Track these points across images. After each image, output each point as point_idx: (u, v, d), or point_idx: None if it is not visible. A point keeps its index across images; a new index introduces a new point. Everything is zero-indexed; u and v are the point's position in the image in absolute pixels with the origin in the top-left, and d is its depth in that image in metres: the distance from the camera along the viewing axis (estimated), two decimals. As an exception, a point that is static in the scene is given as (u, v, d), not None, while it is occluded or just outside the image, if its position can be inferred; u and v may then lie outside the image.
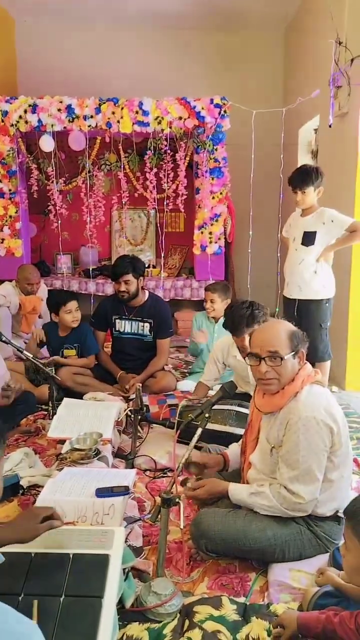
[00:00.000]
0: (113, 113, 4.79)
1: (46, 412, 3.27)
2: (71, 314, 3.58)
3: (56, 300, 3.65)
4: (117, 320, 3.73)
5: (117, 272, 3.55)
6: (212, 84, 5.57)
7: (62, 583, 1.46)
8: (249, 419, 2.08)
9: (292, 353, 1.85)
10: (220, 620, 1.55)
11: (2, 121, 4.83)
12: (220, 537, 1.81)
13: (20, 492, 2.36)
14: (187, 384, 3.64)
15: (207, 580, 1.83)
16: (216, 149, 4.91)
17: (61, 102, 4.79)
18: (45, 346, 3.80)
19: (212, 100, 4.79)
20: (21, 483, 2.38)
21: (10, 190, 5.03)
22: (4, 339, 3.03)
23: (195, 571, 1.88)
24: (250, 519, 1.84)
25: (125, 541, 2.01)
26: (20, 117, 4.82)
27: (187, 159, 4.96)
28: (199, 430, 1.96)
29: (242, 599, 1.71)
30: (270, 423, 1.91)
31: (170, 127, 4.79)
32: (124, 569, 1.71)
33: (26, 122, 4.83)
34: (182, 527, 1.76)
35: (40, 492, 2.06)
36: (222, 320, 3.71)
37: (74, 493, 2.02)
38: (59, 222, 5.15)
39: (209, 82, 5.65)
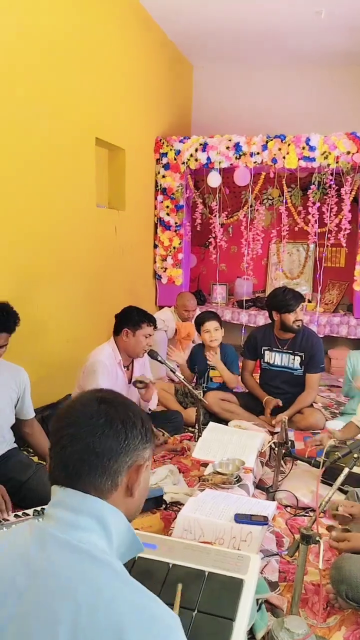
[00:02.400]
0: (279, 149, 4.88)
1: (192, 434, 3.38)
2: (209, 334, 3.67)
3: (198, 319, 3.80)
4: (267, 352, 3.72)
5: (294, 303, 3.51)
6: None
7: (195, 598, 1.48)
8: None
9: None
10: (356, 675, 1.44)
11: (175, 159, 5.20)
12: (363, 586, 1.69)
13: (163, 506, 2.46)
14: (337, 424, 3.47)
15: (344, 629, 1.72)
16: (384, 184, 4.73)
17: (230, 140, 5.03)
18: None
19: (382, 134, 4.65)
20: (164, 498, 2.48)
21: (176, 223, 5.36)
22: (159, 358, 3.21)
23: (332, 617, 1.78)
24: None
25: (261, 573, 1.98)
26: (191, 155, 5.15)
27: (353, 193, 4.84)
28: (346, 471, 1.87)
29: (382, 659, 1.58)
30: None
31: (337, 162, 4.75)
32: (257, 600, 1.68)
33: (196, 160, 5.14)
34: (321, 568, 1.68)
35: (181, 509, 2.12)
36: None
37: (213, 515, 2.05)
38: (218, 253, 5.35)
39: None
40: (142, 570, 1.60)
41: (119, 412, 0.99)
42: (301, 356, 3.61)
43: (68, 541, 0.89)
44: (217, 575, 1.55)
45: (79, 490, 0.93)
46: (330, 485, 1.90)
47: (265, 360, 3.74)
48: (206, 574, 1.56)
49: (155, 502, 2.39)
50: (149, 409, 3.22)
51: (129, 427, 0.98)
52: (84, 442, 0.94)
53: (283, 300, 3.55)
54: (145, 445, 1.02)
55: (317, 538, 1.69)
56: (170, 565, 1.60)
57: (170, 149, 5.20)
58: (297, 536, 1.72)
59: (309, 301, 5.64)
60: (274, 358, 3.70)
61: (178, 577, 1.55)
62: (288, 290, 3.61)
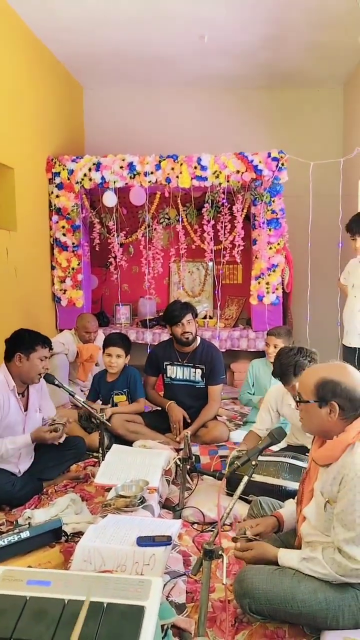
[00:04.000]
0: (172, 169, 4.95)
1: (96, 460, 3.25)
2: (110, 359, 3.61)
3: (105, 339, 3.74)
4: (169, 367, 3.70)
5: (178, 315, 3.54)
6: (270, 138, 5.71)
7: (93, 634, 1.37)
8: (308, 468, 1.95)
9: (317, 402, 1.75)
10: None
11: (69, 179, 5.10)
12: (266, 597, 1.66)
13: (64, 538, 2.30)
14: (241, 434, 3.50)
15: (252, 645, 1.67)
16: (273, 201, 4.94)
17: (123, 159, 5.02)
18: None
19: (269, 154, 4.87)
20: (65, 529, 2.33)
21: (73, 243, 5.24)
22: (56, 382, 3.06)
23: (240, 634, 1.73)
24: (298, 579, 1.68)
25: (168, 597, 1.90)
26: (85, 174, 5.08)
27: (245, 211, 5.01)
28: (245, 479, 1.85)
29: (290, 669, 1.55)
30: (325, 476, 1.78)
31: (228, 181, 4.89)
32: (162, 626, 1.60)
33: (90, 179, 5.08)
34: (224, 583, 1.63)
35: (82, 538, 2.00)
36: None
37: (115, 541, 1.94)
38: (119, 273, 5.29)
39: (266, 136, 5.80)
40: (34, 611, 1.46)
41: None
42: (202, 369, 3.62)
43: None
44: (117, 605, 1.45)
45: None
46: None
47: (168, 375, 3.71)
48: (105, 605, 1.45)
49: (53, 535, 2.23)
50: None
51: None
52: None
53: (169, 312, 3.63)
54: None
55: (220, 552, 1.65)
56: (66, 602, 1.48)
57: (63, 169, 5.10)
58: (201, 553, 1.67)
59: (210, 317, 5.73)
60: (176, 372, 3.69)
61: (74, 613, 1.43)
62: (176, 303, 3.67)
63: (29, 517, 2.36)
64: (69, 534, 2.34)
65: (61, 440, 2.96)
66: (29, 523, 2.27)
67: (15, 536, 2.05)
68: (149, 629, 1.40)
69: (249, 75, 5.72)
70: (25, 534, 2.08)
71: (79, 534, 2.33)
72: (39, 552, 2.15)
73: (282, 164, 4.87)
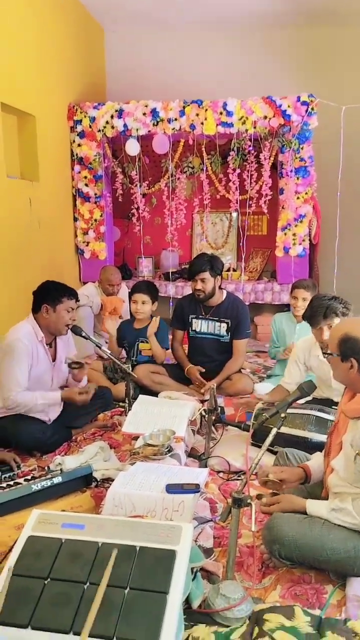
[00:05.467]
0: (197, 115, 4.79)
1: (123, 409, 3.30)
2: (135, 305, 3.61)
3: (132, 287, 3.73)
4: (194, 320, 3.69)
5: (194, 270, 3.52)
6: (300, 81, 5.42)
7: (127, 575, 1.42)
8: (336, 420, 1.95)
9: (340, 357, 1.77)
10: (293, 632, 1.44)
11: (90, 127, 4.98)
12: (295, 544, 1.70)
13: (94, 484, 2.37)
14: (265, 387, 3.51)
15: (279, 588, 1.72)
16: (302, 148, 4.76)
17: (146, 106, 4.86)
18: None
19: (298, 98, 4.66)
20: (95, 475, 2.39)
21: (95, 194, 5.17)
22: (84, 334, 3.08)
23: (267, 578, 1.78)
24: (328, 528, 1.71)
25: (195, 541, 1.96)
26: (107, 122, 4.94)
27: (272, 159, 4.85)
28: (274, 431, 1.86)
29: (316, 612, 1.59)
30: (355, 428, 1.78)
31: (255, 127, 4.72)
32: (192, 569, 1.65)
33: (112, 127, 4.95)
34: (253, 530, 1.66)
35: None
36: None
37: (144, 487, 1.99)
38: (141, 225, 5.22)
39: (295, 79, 5.51)
40: (70, 552, 1.51)
41: None
42: (227, 323, 3.60)
43: None
44: (149, 549, 1.50)
45: None
46: (260, 447, 1.88)
47: (193, 329, 3.71)
48: (137, 548, 1.50)
49: (84, 481, 2.30)
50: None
51: None
52: None
53: (189, 266, 3.65)
54: None
55: (249, 500, 1.68)
56: (100, 544, 1.53)
57: (85, 116, 4.96)
58: (230, 500, 1.70)
59: (234, 270, 5.66)
60: (201, 326, 3.68)
61: (108, 555, 1.48)
62: (199, 257, 3.63)
63: (59, 464, 2.43)
64: (98, 480, 2.40)
65: (81, 385, 3.03)
66: (60, 469, 2.33)
67: (49, 481, 2.11)
68: (180, 572, 1.44)
69: (277, 12, 5.39)
70: (57, 479, 2.15)
71: (108, 480, 2.40)
72: (71, 496, 2.23)
73: (312, 109, 4.66)
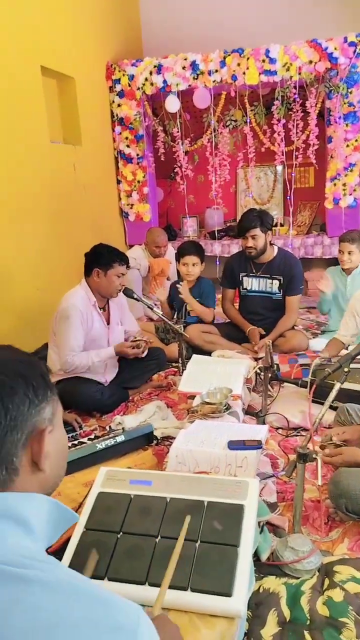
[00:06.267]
0: (238, 65, 4.60)
1: (176, 369, 3.33)
2: (186, 267, 3.59)
3: (179, 249, 3.69)
4: (245, 278, 3.64)
5: (243, 227, 3.44)
6: (347, 20, 5.09)
7: (197, 529, 1.45)
8: None
9: None
10: (364, 583, 1.45)
11: (129, 85, 4.87)
12: (362, 497, 1.69)
13: (154, 442, 2.42)
14: (320, 343, 3.45)
15: (347, 541, 1.72)
16: (351, 92, 4.52)
17: (185, 59, 4.71)
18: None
19: (345, 39, 4.39)
20: (155, 434, 2.44)
21: (137, 155, 5.10)
22: (135, 296, 3.10)
23: (334, 531, 1.78)
24: None
25: (259, 495, 1.97)
26: (146, 79, 4.82)
27: (318, 106, 4.63)
28: (337, 385, 1.83)
29: (387, 564, 1.59)
30: None
31: (300, 73, 4.50)
32: (258, 523, 1.67)
33: (152, 84, 4.82)
34: (319, 484, 1.66)
35: (172, 443, 2.08)
36: (356, 271, 3.46)
37: (206, 444, 2.01)
38: (185, 184, 5.13)
39: (342, 19, 5.17)
40: (139, 507, 1.55)
41: None
42: (280, 279, 3.53)
43: None
44: (217, 504, 1.52)
45: None
46: (320, 404, 1.86)
47: (244, 287, 3.66)
48: (205, 503, 1.52)
49: (146, 439, 2.35)
50: None
51: (6, 396, 0.76)
52: None
53: (238, 223, 3.57)
54: (40, 406, 0.80)
55: (314, 455, 1.67)
56: (168, 499, 1.56)
57: (123, 74, 4.85)
58: (292, 456, 1.70)
59: (281, 225, 5.52)
60: (251, 283, 3.62)
61: (177, 510, 1.52)
62: (247, 213, 3.54)
63: (119, 423, 2.48)
64: (158, 438, 2.45)
65: (143, 355, 3.04)
66: (122, 428, 2.39)
67: (112, 440, 2.17)
68: (250, 526, 1.45)
69: None
70: (120, 438, 2.20)
71: (168, 438, 2.44)
72: (133, 454, 2.29)
73: (361, 49, 4.39)
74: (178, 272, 3.75)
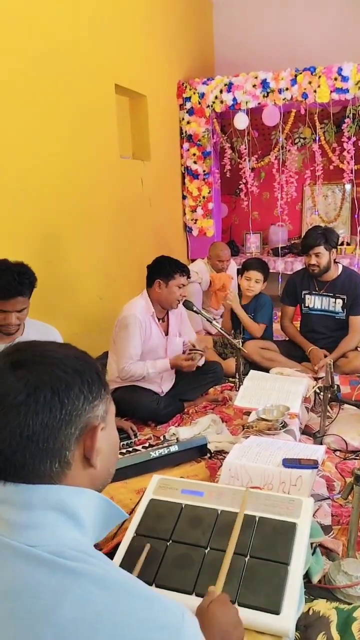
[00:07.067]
0: (310, 83, 4.58)
1: (233, 384, 3.31)
2: (249, 282, 3.60)
3: (245, 263, 3.72)
4: (307, 296, 3.58)
5: (307, 244, 3.40)
6: None
7: (247, 543, 1.43)
8: None
9: None
10: None
11: (199, 103, 4.96)
12: None
13: (208, 455, 2.41)
14: (384, 366, 3.34)
15: None
16: None
17: (256, 77, 4.74)
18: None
19: None
20: (208, 447, 2.42)
21: (204, 171, 5.16)
22: (195, 308, 3.12)
23: (391, 558, 1.70)
24: None
25: (313, 517, 1.92)
26: (216, 97, 4.90)
27: (390, 124, 4.54)
28: None
29: None
30: None
31: (373, 91, 4.43)
32: (311, 544, 1.62)
33: (221, 102, 4.89)
34: (377, 508, 1.60)
35: (226, 457, 2.06)
36: None
37: (260, 460, 1.98)
38: (249, 200, 5.14)
39: None
40: (190, 517, 1.55)
41: (43, 376, 0.77)
42: (343, 299, 3.45)
43: (25, 550, 0.70)
44: (269, 520, 1.49)
45: (21, 483, 0.75)
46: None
47: (306, 305, 3.60)
48: (257, 519, 1.50)
49: (199, 451, 2.35)
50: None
51: (63, 391, 0.77)
52: (7, 429, 0.74)
53: (302, 240, 3.54)
54: (94, 403, 0.81)
55: (372, 479, 1.61)
56: (219, 512, 1.55)
57: (194, 93, 4.95)
58: (350, 479, 1.64)
59: (348, 244, 5.41)
60: (314, 302, 3.56)
61: (227, 523, 1.50)
62: (312, 230, 3.51)
63: (174, 434, 2.49)
64: (212, 451, 2.44)
65: (200, 364, 3.05)
66: (176, 439, 2.39)
67: (166, 449, 2.18)
68: (301, 545, 1.42)
69: None
70: (174, 448, 2.21)
71: (222, 452, 2.42)
72: (186, 466, 2.29)
73: None
74: (239, 287, 3.75)
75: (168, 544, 1.49)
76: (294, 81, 4.63)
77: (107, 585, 0.70)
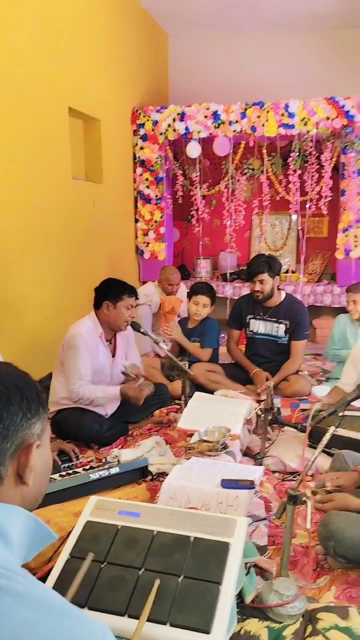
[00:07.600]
0: (258, 117, 4.78)
1: (178, 407, 3.34)
2: (196, 307, 3.67)
3: (193, 287, 3.79)
4: (252, 320, 3.68)
5: (252, 271, 3.52)
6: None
7: (181, 564, 1.45)
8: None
9: None
10: (347, 632, 1.41)
11: (153, 130, 5.07)
12: (352, 542, 1.66)
13: (150, 477, 2.42)
14: (323, 390, 3.46)
15: (334, 589, 1.69)
16: (366, 149, 4.67)
17: (208, 108, 4.91)
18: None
19: (362, 98, 4.57)
20: (150, 469, 2.43)
21: (156, 196, 5.26)
22: (142, 330, 3.15)
23: (321, 578, 1.75)
24: (386, 530, 1.67)
25: (249, 537, 1.95)
26: (169, 125, 5.02)
27: (333, 160, 4.77)
28: (331, 430, 1.84)
29: (372, 615, 1.55)
30: None
31: (317, 128, 4.66)
32: (245, 564, 1.65)
33: (174, 130, 5.02)
34: (308, 528, 1.65)
35: (167, 478, 2.08)
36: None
37: (199, 481, 2.01)
38: (200, 226, 5.26)
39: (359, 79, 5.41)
40: (125, 538, 1.55)
41: None
42: (286, 324, 3.57)
43: None
44: (203, 540, 1.51)
45: None
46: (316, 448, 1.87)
47: (250, 329, 3.70)
48: (191, 539, 1.52)
49: (140, 473, 2.35)
50: None
51: (2, 405, 0.79)
52: None
53: (247, 267, 3.66)
54: (32, 420, 0.83)
55: (304, 498, 1.66)
56: (155, 532, 1.56)
57: (148, 120, 5.07)
58: (285, 498, 1.69)
59: (293, 272, 5.60)
60: (258, 326, 3.66)
61: (163, 543, 1.51)
62: (257, 258, 3.61)
63: (116, 456, 2.49)
64: (153, 473, 2.44)
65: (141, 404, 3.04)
66: (117, 460, 2.39)
67: (106, 471, 2.17)
68: (234, 565, 1.45)
69: (339, 13, 5.31)
70: (114, 470, 2.20)
71: (163, 474, 2.43)
72: (127, 487, 2.28)
73: (377, 109, 4.56)
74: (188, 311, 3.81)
75: (102, 565, 1.48)
76: (243, 114, 4.82)
77: (29, 602, 0.70)
